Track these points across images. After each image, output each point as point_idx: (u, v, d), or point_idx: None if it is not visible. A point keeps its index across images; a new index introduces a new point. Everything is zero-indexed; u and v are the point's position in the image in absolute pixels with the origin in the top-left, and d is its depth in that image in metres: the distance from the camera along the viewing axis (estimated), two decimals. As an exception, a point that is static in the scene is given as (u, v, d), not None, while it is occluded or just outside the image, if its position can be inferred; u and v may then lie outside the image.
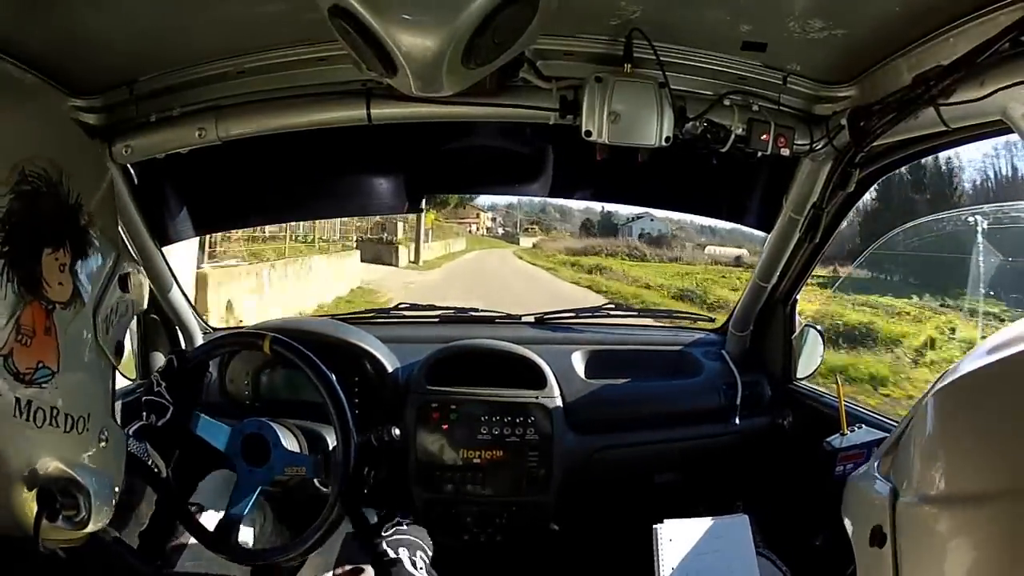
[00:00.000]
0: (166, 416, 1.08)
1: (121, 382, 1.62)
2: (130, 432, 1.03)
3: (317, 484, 1.23)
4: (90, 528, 0.67)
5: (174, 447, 1.10)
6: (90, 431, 0.67)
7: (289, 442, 1.25)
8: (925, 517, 0.45)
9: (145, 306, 0.76)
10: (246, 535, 1.21)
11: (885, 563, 0.47)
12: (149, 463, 1.02)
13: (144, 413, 1.09)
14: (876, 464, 0.57)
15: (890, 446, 0.56)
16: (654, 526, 1.15)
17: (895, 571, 0.46)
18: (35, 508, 0.61)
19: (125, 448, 0.75)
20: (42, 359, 0.60)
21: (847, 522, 0.59)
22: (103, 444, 0.69)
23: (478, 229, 33.09)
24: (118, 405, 1.41)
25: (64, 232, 0.62)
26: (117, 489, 0.74)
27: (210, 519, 1.22)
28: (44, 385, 0.60)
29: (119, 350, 0.72)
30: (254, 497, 1.20)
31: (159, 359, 1.59)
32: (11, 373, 0.57)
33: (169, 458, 1.06)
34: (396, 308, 1.93)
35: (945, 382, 0.49)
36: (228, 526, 1.18)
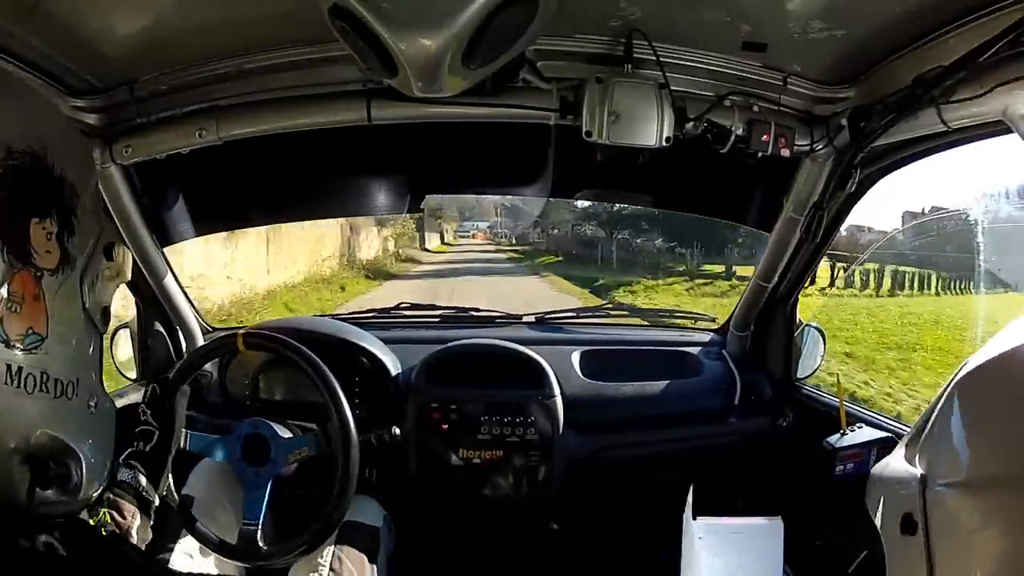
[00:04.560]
0: (152, 441, 1.08)
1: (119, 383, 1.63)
2: (120, 461, 1.04)
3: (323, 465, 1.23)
4: (82, 495, 0.68)
5: (166, 470, 1.10)
6: (79, 397, 0.67)
7: (287, 434, 1.25)
8: (956, 503, 0.46)
9: (129, 277, 0.79)
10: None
11: (917, 551, 0.48)
12: (140, 490, 1.02)
13: (134, 443, 1.09)
14: (901, 454, 0.57)
15: (914, 434, 0.57)
16: (685, 520, 1.12)
17: (928, 558, 0.47)
18: (28, 475, 0.62)
19: (115, 415, 0.76)
20: (32, 325, 0.62)
21: (874, 512, 0.58)
22: (92, 410, 0.70)
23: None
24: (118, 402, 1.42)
25: (50, 203, 0.64)
26: (108, 459, 0.76)
27: (225, 528, 1.23)
28: (34, 351, 0.62)
29: (105, 317, 0.73)
30: (266, 497, 1.21)
31: (159, 359, 1.59)
32: (2, 340, 0.59)
33: (157, 482, 1.06)
34: (396, 308, 1.93)
35: (972, 367, 0.49)
36: (250, 535, 1.18)
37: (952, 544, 0.46)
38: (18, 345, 0.60)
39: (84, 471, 0.67)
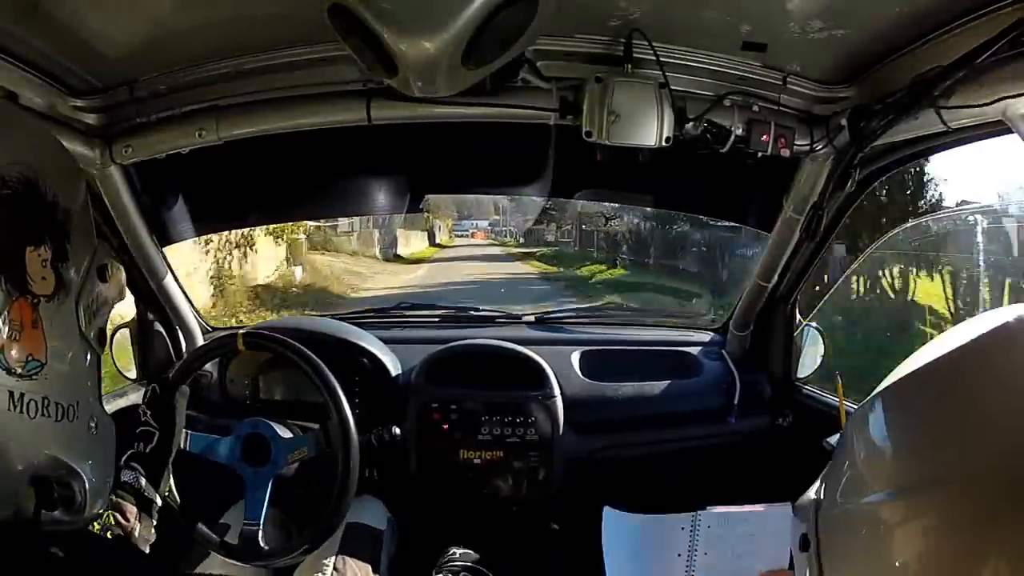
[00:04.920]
0: (153, 442, 1.09)
1: (114, 388, 1.63)
2: (121, 462, 1.04)
3: (323, 466, 1.24)
4: (87, 513, 0.69)
5: (167, 471, 1.10)
6: (80, 419, 0.69)
7: (287, 434, 1.26)
8: (838, 518, 0.53)
9: (125, 297, 0.80)
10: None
11: (812, 564, 0.55)
12: (141, 491, 1.03)
13: (134, 443, 1.09)
14: (816, 484, 0.63)
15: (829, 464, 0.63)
16: (694, 514, 1.15)
17: (819, 569, 0.54)
18: (33, 496, 0.63)
19: (114, 434, 0.77)
20: (31, 352, 0.63)
21: (790, 535, 0.65)
22: (93, 431, 0.71)
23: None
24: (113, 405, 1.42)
25: (44, 230, 0.65)
26: (110, 477, 0.77)
27: (231, 531, 1.23)
28: (35, 377, 0.63)
29: (101, 339, 0.75)
30: (267, 497, 1.21)
31: (159, 359, 1.59)
32: (3, 368, 0.60)
33: (158, 483, 1.07)
34: (396, 308, 1.94)
35: (865, 400, 0.55)
36: (252, 535, 1.19)
37: (837, 556, 0.53)
38: (19, 371, 0.61)
39: (87, 490, 0.68)
